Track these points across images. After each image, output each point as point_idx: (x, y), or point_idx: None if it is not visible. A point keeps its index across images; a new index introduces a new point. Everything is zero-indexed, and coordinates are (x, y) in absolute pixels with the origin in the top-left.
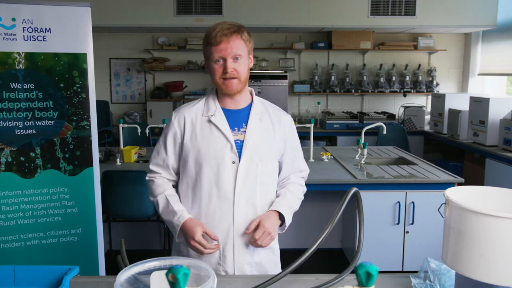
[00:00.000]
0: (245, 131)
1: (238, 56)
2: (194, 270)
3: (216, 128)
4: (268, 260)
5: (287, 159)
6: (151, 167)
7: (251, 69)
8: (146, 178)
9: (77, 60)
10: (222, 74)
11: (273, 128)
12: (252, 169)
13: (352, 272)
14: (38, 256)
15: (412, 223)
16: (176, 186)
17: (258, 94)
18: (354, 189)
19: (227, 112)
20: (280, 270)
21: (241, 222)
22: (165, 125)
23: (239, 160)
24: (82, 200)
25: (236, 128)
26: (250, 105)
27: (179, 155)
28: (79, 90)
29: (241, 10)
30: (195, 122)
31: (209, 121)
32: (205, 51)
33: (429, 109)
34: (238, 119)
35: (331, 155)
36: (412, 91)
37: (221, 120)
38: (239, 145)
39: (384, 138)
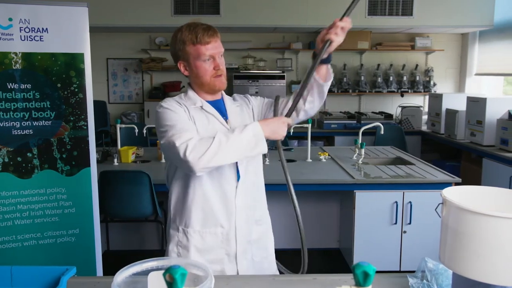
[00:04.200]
0: (227, 118)
1: (222, 53)
2: (191, 270)
3: (212, 116)
4: (265, 236)
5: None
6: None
7: (248, 68)
8: (179, 143)
9: (74, 60)
10: (213, 72)
11: (245, 111)
12: None
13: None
14: (35, 256)
15: (410, 223)
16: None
17: (256, 94)
18: None
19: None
20: (273, 245)
21: (242, 200)
22: (161, 112)
23: None
24: (80, 200)
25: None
26: (222, 97)
27: None
28: (76, 90)
29: (239, 10)
30: (190, 110)
31: (202, 109)
32: (188, 51)
33: (426, 109)
34: (218, 109)
35: (329, 155)
36: (409, 91)
37: (212, 109)
38: None
39: (382, 138)
